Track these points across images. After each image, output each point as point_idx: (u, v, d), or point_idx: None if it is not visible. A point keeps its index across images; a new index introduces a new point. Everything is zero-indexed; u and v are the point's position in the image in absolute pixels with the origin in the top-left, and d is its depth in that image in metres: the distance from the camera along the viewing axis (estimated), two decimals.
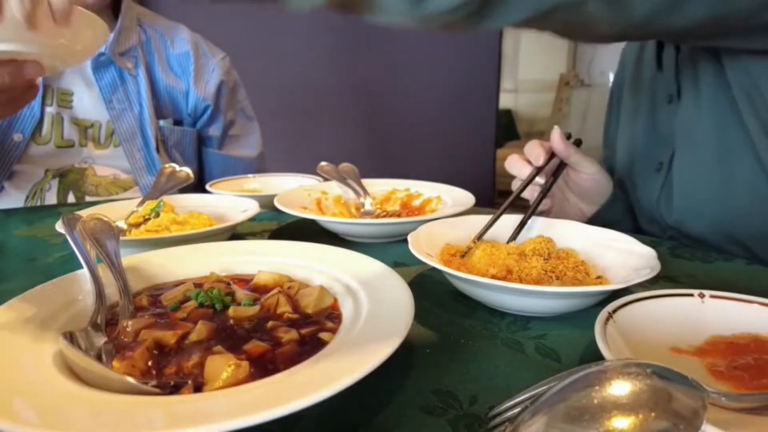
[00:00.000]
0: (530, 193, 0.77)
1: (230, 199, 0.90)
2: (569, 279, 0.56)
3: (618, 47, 1.01)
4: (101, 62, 1.18)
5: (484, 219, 0.69)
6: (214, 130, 1.38)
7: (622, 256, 0.59)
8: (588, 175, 0.79)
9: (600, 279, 0.58)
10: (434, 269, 0.67)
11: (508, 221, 0.69)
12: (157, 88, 1.27)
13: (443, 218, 0.70)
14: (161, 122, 1.27)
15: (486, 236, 0.67)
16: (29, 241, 0.83)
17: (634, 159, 0.91)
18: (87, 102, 1.20)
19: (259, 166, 1.44)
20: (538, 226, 0.70)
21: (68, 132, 1.18)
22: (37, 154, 1.16)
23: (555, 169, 0.76)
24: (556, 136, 0.73)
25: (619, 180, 0.93)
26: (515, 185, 0.79)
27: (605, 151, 1.05)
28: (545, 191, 0.73)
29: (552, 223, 0.70)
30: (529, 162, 0.75)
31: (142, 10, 1.32)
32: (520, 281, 0.56)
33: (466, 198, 0.87)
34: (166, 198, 0.88)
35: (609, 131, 1.03)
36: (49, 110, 1.16)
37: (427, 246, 0.61)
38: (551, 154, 0.74)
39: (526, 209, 0.70)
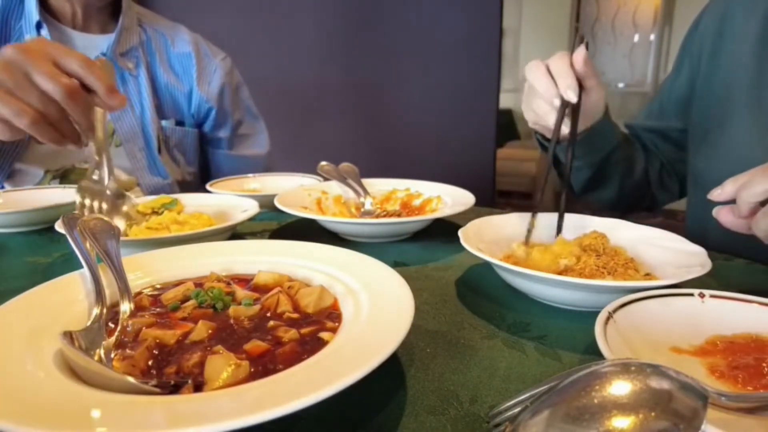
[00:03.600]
0: (546, 112, 0.73)
1: (230, 199, 0.90)
2: (620, 275, 0.57)
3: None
4: None
5: (526, 216, 0.71)
6: (224, 132, 1.39)
7: (670, 254, 0.60)
8: (593, 100, 0.76)
9: (649, 276, 0.59)
10: (434, 269, 0.67)
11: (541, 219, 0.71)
12: (159, 88, 1.27)
13: (495, 215, 0.72)
14: (164, 122, 1.27)
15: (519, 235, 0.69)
16: (29, 241, 0.83)
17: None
18: None
19: (268, 163, 1.45)
20: (583, 224, 0.71)
21: None
22: (38, 154, 1.16)
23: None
24: (580, 56, 0.69)
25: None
26: (534, 103, 0.74)
27: (667, 113, 1.01)
28: (573, 129, 0.71)
29: (596, 220, 0.71)
30: (553, 81, 0.70)
31: (142, 10, 1.32)
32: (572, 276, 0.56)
33: (466, 198, 0.87)
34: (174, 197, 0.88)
35: (678, 89, 0.99)
36: None
37: (476, 241, 0.62)
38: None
39: (530, 208, 0.71)
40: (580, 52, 0.69)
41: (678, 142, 1.00)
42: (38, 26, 1.12)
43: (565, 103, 0.70)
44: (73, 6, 1.17)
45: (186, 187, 1.36)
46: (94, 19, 1.21)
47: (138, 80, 1.23)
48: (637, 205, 1.06)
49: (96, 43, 1.20)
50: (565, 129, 0.72)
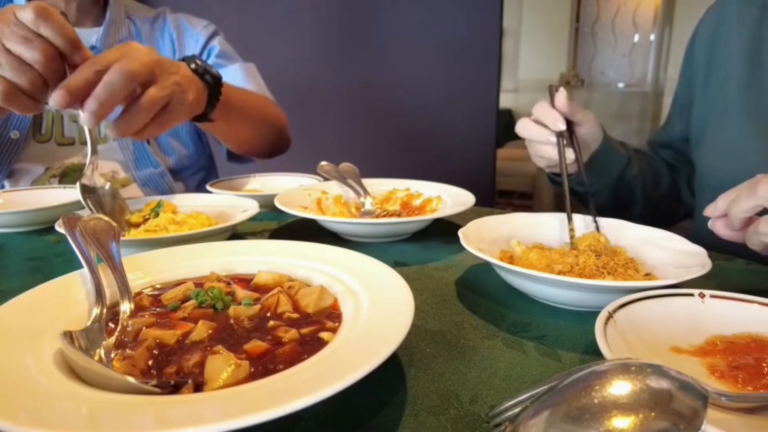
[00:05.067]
0: (549, 151, 0.80)
1: (230, 199, 0.90)
2: (620, 275, 0.57)
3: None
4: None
5: (529, 216, 0.73)
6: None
7: (670, 254, 0.60)
8: (587, 129, 0.82)
9: (649, 276, 0.59)
10: (434, 269, 0.67)
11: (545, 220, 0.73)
12: None
13: (496, 215, 0.73)
14: None
15: (529, 238, 0.70)
16: (29, 241, 0.83)
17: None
18: None
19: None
20: (585, 224, 0.71)
21: (68, 129, 1.18)
22: (38, 152, 1.16)
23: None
24: (562, 98, 0.76)
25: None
26: (537, 150, 0.81)
27: (673, 124, 1.03)
28: (579, 159, 0.78)
29: (599, 221, 0.71)
30: (543, 125, 0.78)
31: (128, 2, 1.32)
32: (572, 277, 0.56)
33: (466, 198, 0.87)
34: (167, 198, 0.88)
35: (681, 97, 1.01)
36: (48, 107, 1.16)
37: (476, 241, 0.62)
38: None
39: (530, 208, 0.71)
40: (561, 95, 0.76)
41: (686, 152, 1.01)
42: None
43: (559, 135, 0.76)
44: (68, 2, 1.17)
45: (186, 171, 1.34)
46: (87, 14, 1.21)
47: None
48: (673, 215, 1.07)
49: (85, 37, 1.19)
50: (572, 157, 0.78)
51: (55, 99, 0.69)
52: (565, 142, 0.77)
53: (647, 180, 0.96)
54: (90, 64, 0.72)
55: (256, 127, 1.22)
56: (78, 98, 0.71)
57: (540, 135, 0.78)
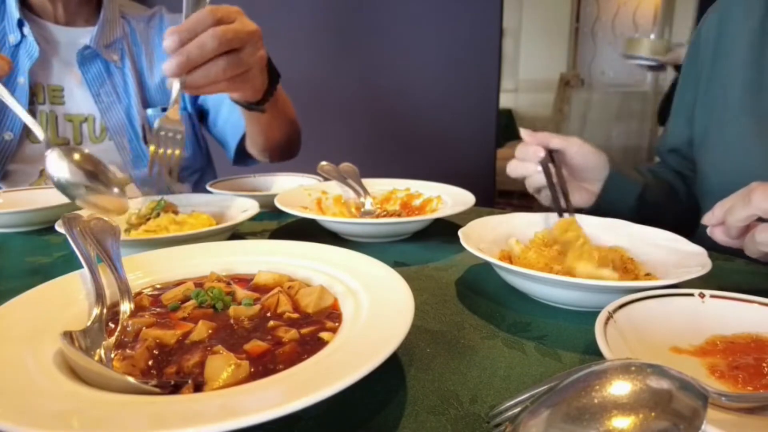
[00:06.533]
0: (540, 180, 0.80)
1: (230, 199, 0.90)
2: (620, 276, 0.57)
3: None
4: (86, 55, 1.17)
5: (529, 216, 0.74)
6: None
7: (670, 254, 0.60)
8: (574, 152, 0.82)
9: (649, 276, 0.59)
10: (434, 269, 0.67)
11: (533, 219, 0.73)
12: (144, 80, 1.26)
13: (497, 215, 0.73)
14: (149, 111, 1.24)
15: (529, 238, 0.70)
16: (29, 241, 0.83)
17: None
18: (78, 96, 1.19)
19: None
20: (586, 223, 0.71)
21: (63, 129, 1.18)
22: (33, 153, 1.15)
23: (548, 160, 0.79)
24: (525, 134, 0.80)
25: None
26: (531, 185, 0.82)
27: (677, 127, 1.02)
28: (561, 181, 0.77)
29: (599, 220, 0.71)
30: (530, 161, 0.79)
31: (123, 1, 1.31)
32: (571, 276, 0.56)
33: (466, 198, 0.87)
34: (168, 197, 0.88)
35: (685, 99, 1.00)
36: (42, 108, 1.15)
37: (476, 241, 0.62)
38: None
39: (530, 209, 0.72)
40: (523, 132, 0.81)
41: (692, 156, 0.99)
42: (20, 24, 1.12)
43: (542, 165, 0.78)
44: (54, 1, 1.17)
45: (183, 172, 1.34)
46: (77, 13, 1.21)
47: (123, 71, 1.22)
48: (693, 226, 1.05)
49: (78, 36, 1.19)
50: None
51: (166, 42, 0.74)
52: (554, 169, 0.78)
53: (667, 199, 0.95)
54: (205, 12, 0.76)
55: (285, 126, 1.23)
56: (185, 43, 0.75)
57: (526, 169, 0.81)
